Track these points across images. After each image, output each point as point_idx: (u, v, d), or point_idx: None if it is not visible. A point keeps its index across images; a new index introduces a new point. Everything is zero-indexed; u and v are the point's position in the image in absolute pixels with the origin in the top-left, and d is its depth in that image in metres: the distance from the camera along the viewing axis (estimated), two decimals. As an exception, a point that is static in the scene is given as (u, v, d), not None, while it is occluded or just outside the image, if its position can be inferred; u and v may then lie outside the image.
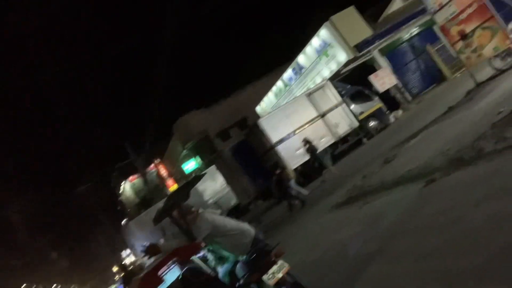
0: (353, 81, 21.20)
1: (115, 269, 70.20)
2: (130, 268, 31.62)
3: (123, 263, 68.42)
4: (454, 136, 7.41)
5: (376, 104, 20.37)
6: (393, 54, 22.59)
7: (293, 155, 18.18)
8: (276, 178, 13.22)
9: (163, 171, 37.24)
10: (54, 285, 56.48)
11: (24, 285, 50.41)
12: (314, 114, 19.20)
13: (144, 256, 4.15)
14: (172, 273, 3.99)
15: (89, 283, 58.94)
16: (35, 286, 49.07)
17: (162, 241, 6.85)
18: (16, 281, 49.57)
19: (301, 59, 24.16)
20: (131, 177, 42.14)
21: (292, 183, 13.08)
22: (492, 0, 11.38)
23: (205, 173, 5.82)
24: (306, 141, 16.52)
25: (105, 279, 64.62)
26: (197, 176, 4.71)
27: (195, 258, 4.38)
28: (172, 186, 35.46)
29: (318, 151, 16.99)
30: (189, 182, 4.57)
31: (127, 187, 43.43)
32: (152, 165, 39.00)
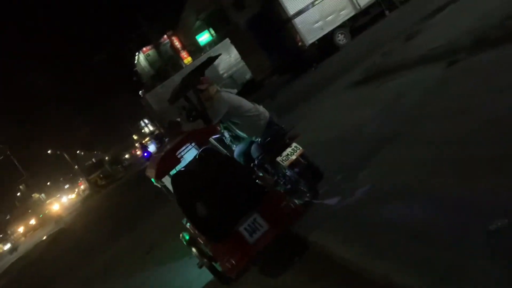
0: None
1: (135, 137, 73.58)
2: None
3: (142, 131, 71.47)
4: (482, 13, 6.84)
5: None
6: None
7: (310, 29, 17.45)
8: None
9: (177, 43, 36.51)
10: (78, 151, 59.64)
11: (49, 151, 53.34)
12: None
13: (168, 131, 4.23)
14: (189, 154, 4.09)
15: (111, 150, 62.13)
16: (59, 153, 51.88)
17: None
18: (40, 147, 52.42)
19: None
20: (144, 48, 41.57)
21: None
22: None
23: (219, 54, 5.63)
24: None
25: (126, 146, 68.08)
26: (211, 57, 4.57)
27: (212, 140, 4.45)
28: (187, 58, 35.05)
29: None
30: (204, 63, 4.46)
31: (142, 58, 43.15)
32: (165, 36, 38.12)
